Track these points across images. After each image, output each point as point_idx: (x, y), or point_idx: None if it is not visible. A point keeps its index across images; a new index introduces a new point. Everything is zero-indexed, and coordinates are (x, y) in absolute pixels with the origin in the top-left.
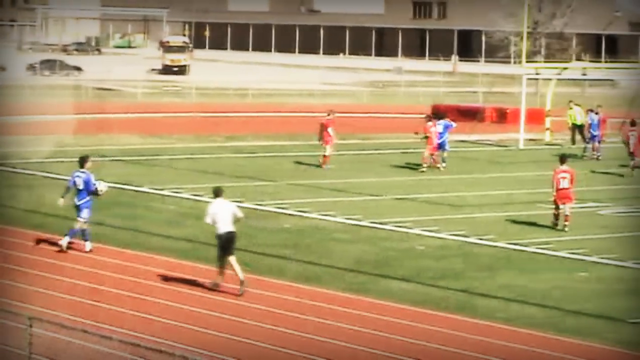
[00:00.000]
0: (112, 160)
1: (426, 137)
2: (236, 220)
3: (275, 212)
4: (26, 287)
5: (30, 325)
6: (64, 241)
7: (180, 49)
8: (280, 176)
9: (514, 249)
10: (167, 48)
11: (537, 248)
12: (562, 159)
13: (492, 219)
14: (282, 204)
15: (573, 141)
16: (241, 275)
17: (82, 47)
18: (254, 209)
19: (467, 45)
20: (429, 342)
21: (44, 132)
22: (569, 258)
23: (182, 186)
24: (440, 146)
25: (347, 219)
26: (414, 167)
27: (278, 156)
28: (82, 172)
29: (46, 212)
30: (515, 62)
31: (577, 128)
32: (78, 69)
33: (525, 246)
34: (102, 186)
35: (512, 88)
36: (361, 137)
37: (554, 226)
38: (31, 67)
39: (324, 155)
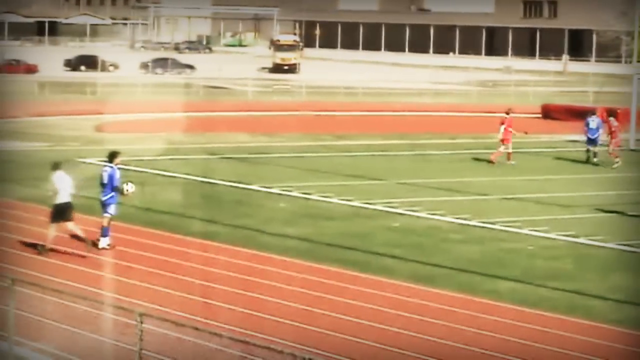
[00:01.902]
0: (222, 158)
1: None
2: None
3: (385, 211)
4: (138, 283)
5: (141, 321)
6: (103, 243)
7: (291, 47)
8: (389, 175)
9: (625, 250)
10: (277, 47)
11: None
12: None
13: (602, 219)
14: (391, 202)
15: None
16: (82, 234)
17: (193, 46)
18: (364, 207)
19: (578, 45)
20: (539, 343)
21: (156, 130)
22: None
23: (292, 184)
24: (594, 142)
25: (456, 219)
26: (523, 167)
27: (388, 155)
28: (110, 166)
29: (160, 210)
30: (626, 62)
31: None
32: (191, 67)
33: (637, 247)
34: (130, 187)
35: (623, 88)
36: (471, 136)
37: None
38: (144, 65)
39: (507, 152)
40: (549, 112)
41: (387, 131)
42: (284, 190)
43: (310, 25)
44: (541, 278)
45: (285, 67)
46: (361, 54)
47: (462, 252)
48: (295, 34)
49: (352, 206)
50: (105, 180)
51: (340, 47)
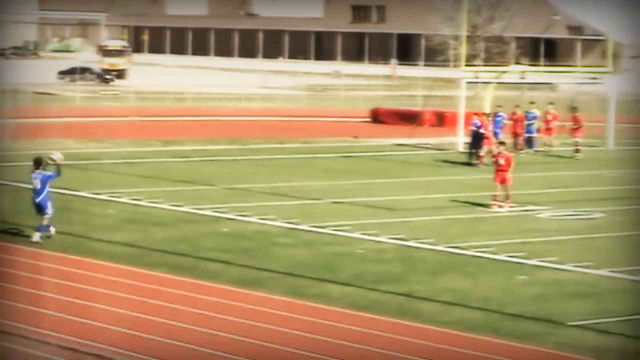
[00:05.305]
0: (50, 164)
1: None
2: None
3: (214, 216)
4: None
5: None
6: (36, 237)
7: (119, 53)
8: (219, 180)
9: (454, 253)
10: (105, 52)
11: (476, 251)
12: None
13: (431, 222)
14: (220, 208)
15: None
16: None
17: (20, 51)
18: (194, 212)
19: (406, 49)
20: (370, 346)
21: None
22: (508, 261)
23: (121, 190)
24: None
25: (286, 223)
26: (352, 171)
27: (217, 160)
28: (39, 172)
29: None
30: (454, 66)
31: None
32: (111, 75)
33: (465, 250)
34: (57, 155)
35: (451, 92)
36: (300, 140)
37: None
38: (62, 75)
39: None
40: (377, 116)
41: (217, 136)
42: (112, 197)
43: (139, 30)
44: (371, 281)
45: (114, 73)
46: (190, 59)
47: (292, 256)
48: (123, 39)
49: (182, 211)
50: (39, 186)
51: (169, 52)
